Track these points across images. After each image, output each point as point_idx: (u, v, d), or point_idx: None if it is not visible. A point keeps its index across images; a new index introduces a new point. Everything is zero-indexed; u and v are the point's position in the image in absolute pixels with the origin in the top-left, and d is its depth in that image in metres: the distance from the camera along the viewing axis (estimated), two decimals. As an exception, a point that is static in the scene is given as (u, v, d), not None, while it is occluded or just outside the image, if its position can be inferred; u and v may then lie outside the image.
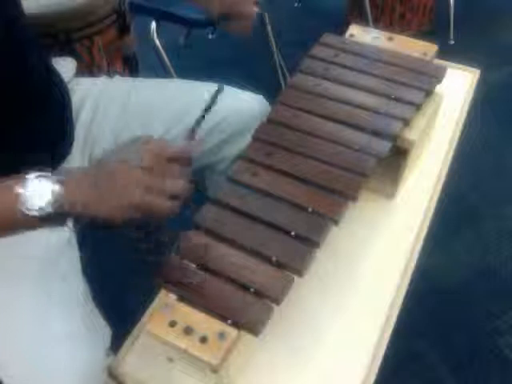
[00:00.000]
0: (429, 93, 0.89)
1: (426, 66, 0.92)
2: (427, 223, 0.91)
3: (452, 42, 2.33)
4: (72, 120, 0.99)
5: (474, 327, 1.45)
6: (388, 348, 0.77)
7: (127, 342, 0.78)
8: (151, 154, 0.70)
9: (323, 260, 0.76)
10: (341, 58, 0.94)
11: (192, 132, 0.89)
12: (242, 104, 1.09)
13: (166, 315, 0.66)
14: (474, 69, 1.15)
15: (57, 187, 0.66)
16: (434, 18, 2.40)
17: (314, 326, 0.80)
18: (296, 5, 2.64)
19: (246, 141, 0.86)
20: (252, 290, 0.68)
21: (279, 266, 0.70)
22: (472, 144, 1.64)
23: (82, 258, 0.93)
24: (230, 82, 1.13)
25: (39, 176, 0.67)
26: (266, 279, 0.69)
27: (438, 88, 0.91)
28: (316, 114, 0.86)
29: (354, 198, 0.76)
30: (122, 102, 1.04)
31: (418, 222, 0.91)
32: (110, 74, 1.27)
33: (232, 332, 0.65)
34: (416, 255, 0.87)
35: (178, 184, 0.71)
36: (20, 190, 0.66)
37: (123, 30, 1.36)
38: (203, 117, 0.78)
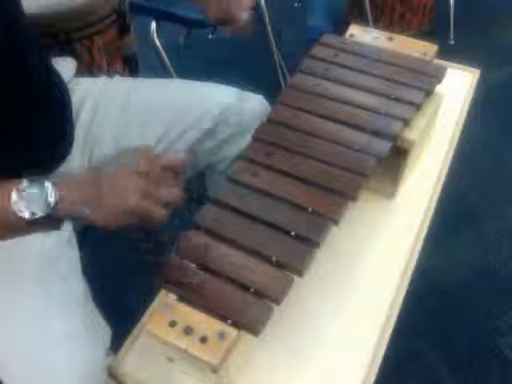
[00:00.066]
0: (429, 93, 0.89)
1: (425, 66, 0.92)
2: (427, 223, 0.91)
3: (452, 42, 2.33)
4: (72, 120, 0.99)
5: (474, 327, 1.45)
6: (388, 348, 0.77)
7: (127, 342, 0.78)
8: (147, 159, 0.71)
9: (323, 260, 0.76)
10: (341, 58, 0.94)
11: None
12: (242, 104, 1.09)
13: (166, 315, 0.66)
14: (474, 69, 1.15)
15: (53, 191, 0.67)
16: (434, 17, 2.40)
17: (314, 326, 0.80)
18: (296, 5, 2.64)
19: (245, 141, 0.86)
20: (252, 290, 0.68)
21: (279, 265, 0.70)
22: (472, 144, 1.63)
23: (81, 257, 0.93)
24: (230, 82, 1.13)
25: (36, 180, 0.67)
26: (266, 279, 0.69)
27: (438, 88, 0.91)
28: (316, 114, 0.86)
29: (354, 198, 0.76)
30: (122, 102, 1.04)
31: (417, 222, 0.91)
32: (109, 73, 1.27)
33: (232, 332, 0.65)
34: (416, 255, 0.87)
35: (172, 192, 0.71)
36: (16, 194, 0.66)
37: (123, 29, 1.36)
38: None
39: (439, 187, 0.96)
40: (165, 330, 0.65)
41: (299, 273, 0.70)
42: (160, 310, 0.67)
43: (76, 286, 0.88)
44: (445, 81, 0.91)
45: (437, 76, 0.90)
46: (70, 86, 1.01)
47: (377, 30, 1.00)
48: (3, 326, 0.81)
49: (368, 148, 0.81)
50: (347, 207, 0.76)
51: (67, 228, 0.91)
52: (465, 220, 1.70)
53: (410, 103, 0.86)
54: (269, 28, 1.90)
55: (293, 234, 0.72)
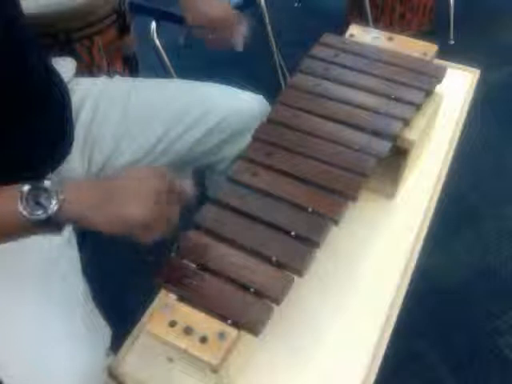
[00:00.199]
0: (429, 93, 0.89)
1: (425, 65, 0.92)
2: (427, 223, 0.91)
3: (452, 42, 2.33)
4: (72, 120, 0.99)
5: (474, 327, 1.45)
6: (388, 348, 0.77)
7: (127, 342, 0.78)
8: (163, 179, 0.71)
9: (323, 260, 0.76)
10: (341, 58, 0.94)
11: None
12: (242, 104, 1.09)
13: (166, 315, 0.66)
14: (474, 69, 1.15)
15: (59, 194, 0.67)
16: (434, 18, 2.40)
17: (314, 325, 0.80)
18: (296, 5, 2.65)
19: (245, 141, 0.86)
20: (252, 290, 0.68)
21: (279, 266, 0.70)
22: (472, 144, 1.63)
23: (81, 258, 0.93)
24: (230, 82, 1.13)
25: (41, 183, 0.67)
26: (266, 279, 0.69)
27: (438, 88, 0.91)
28: (316, 114, 0.86)
29: (354, 198, 0.76)
30: (122, 102, 1.04)
31: (417, 222, 0.91)
32: (110, 73, 1.27)
33: (232, 332, 0.65)
34: (416, 255, 0.87)
35: (175, 211, 0.71)
36: (21, 197, 0.66)
37: (123, 29, 1.36)
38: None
39: (439, 187, 0.96)
40: (165, 329, 0.65)
41: (299, 273, 0.70)
42: (160, 309, 0.67)
43: (76, 286, 0.88)
44: (445, 81, 0.91)
45: (437, 76, 0.90)
46: (69, 86, 1.01)
47: (377, 30, 1.00)
48: (3, 325, 0.81)
49: (368, 148, 0.81)
50: (347, 207, 0.76)
51: (67, 228, 0.91)
52: (465, 220, 1.69)
53: (410, 103, 0.86)
54: (269, 28, 1.90)
55: (293, 234, 0.72)
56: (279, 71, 1.99)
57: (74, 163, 0.98)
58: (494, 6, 2.50)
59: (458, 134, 1.04)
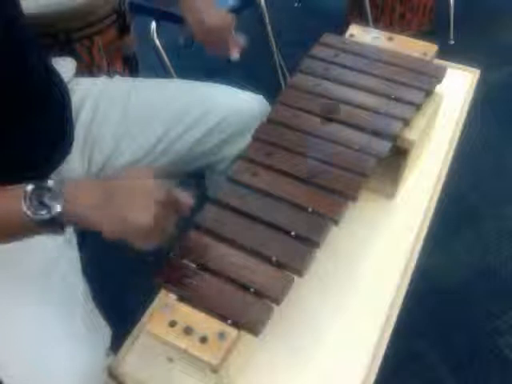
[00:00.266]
0: (429, 93, 0.89)
1: (425, 66, 0.92)
2: (427, 223, 0.91)
3: (452, 42, 2.33)
4: (72, 120, 0.99)
5: (474, 327, 1.45)
6: (388, 348, 0.77)
7: (127, 342, 0.78)
8: (166, 189, 0.71)
9: (323, 260, 0.76)
10: (341, 58, 0.94)
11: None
12: (242, 104, 1.09)
13: (166, 315, 0.66)
14: (474, 69, 1.15)
15: (63, 194, 0.67)
16: (434, 18, 2.40)
17: (314, 325, 0.80)
18: (296, 5, 2.65)
19: (245, 141, 0.86)
20: (252, 290, 0.68)
21: (279, 266, 0.70)
22: (472, 144, 1.63)
23: (81, 258, 0.93)
24: (230, 82, 1.13)
25: (45, 182, 0.67)
26: (266, 279, 0.69)
27: (438, 88, 0.91)
28: (316, 114, 0.86)
29: (354, 198, 0.76)
30: (122, 102, 1.04)
31: (418, 222, 0.91)
32: (110, 73, 1.27)
33: (232, 332, 0.65)
34: (416, 255, 0.87)
35: (171, 222, 0.71)
36: (25, 197, 0.66)
37: (123, 29, 1.36)
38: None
39: (439, 187, 0.96)
40: (165, 329, 0.65)
41: (299, 273, 0.70)
42: (160, 309, 0.67)
43: (76, 286, 0.88)
44: (445, 81, 0.91)
45: (437, 76, 0.90)
46: (69, 86, 1.01)
47: (377, 30, 1.00)
48: (3, 326, 0.81)
49: (368, 148, 0.81)
50: (347, 207, 0.76)
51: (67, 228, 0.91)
52: (465, 220, 1.69)
53: (410, 103, 0.86)
54: (269, 28, 1.90)
55: (293, 234, 0.72)
56: (279, 71, 1.99)
57: (74, 163, 0.98)
58: (493, 6, 2.50)
59: (457, 134, 1.04)
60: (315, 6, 2.61)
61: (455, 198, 1.37)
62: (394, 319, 0.80)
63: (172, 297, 0.69)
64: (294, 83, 0.92)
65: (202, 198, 0.79)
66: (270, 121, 0.87)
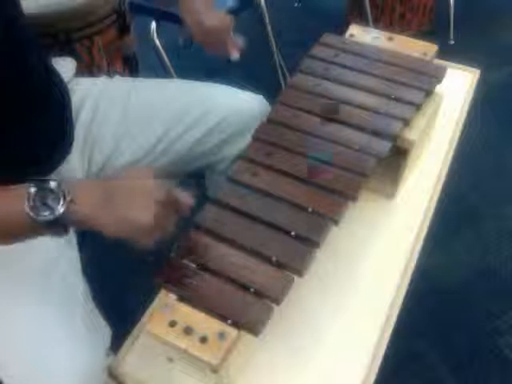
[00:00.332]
0: (429, 93, 0.89)
1: (425, 66, 0.92)
2: (427, 223, 0.91)
3: (452, 42, 2.33)
4: (72, 120, 0.99)
5: (474, 327, 1.45)
6: (388, 348, 0.77)
7: (127, 342, 0.78)
8: (166, 189, 0.71)
9: (323, 260, 0.76)
10: (341, 58, 0.94)
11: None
12: (242, 104, 1.09)
13: (166, 315, 0.66)
14: (474, 69, 1.15)
15: (65, 195, 0.67)
16: (434, 18, 2.40)
17: (314, 326, 0.80)
18: (296, 5, 2.65)
19: (245, 141, 0.86)
20: (252, 290, 0.68)
21: (279, 266, 0.70)
22: (472, 144, 1.63)
23: (81, 258, 0.93)
24: (230, 82, 1.13)
25: (48, 183, 0.67)
26: (266, 279, 0.69)
27: (438, 88, 0.91)
28: (316, 114, 0.86)
29: (354, 198, 0.76)
30: (122, 102, 1.04)
31: (418, 222, 0.91)
32: (110, 73, 1.27)
33: (232, 332, 0.65)
34: (416, 255, 0.87)
35: (172, 221, 0.71)
36: (28, 197, 0.66)
37: (123, 29, 1.36)
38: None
39: (439, 187, 0.96)
40: (165, 329, 0.65)
41: (299, 273, 0.70)
42: (160, 309, 0.67)
43: (76, 286, 0.88)
44: (445, 81, 0.91)
45: (437, 76, 0.90)
46: (69, 86, 1.01)
47: (377, 30, 1.00)
48: (3, 326, 0.81)
49: (368, 148, 0.81)
50: (347, 207, 0.76)
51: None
52: (465, 220, 1.69)
53: (410, 103, 0.86)
54: (269, 28, 1.90)
55: (293, 234, 0.72)
56: (279, 71, 1.99)
57: (74, 163, 0.98)
58: (494, 6, 2.50)
59: (457, 134, 1.04)
60: (315, 5, 2.61)
61: (455, 198, 1.37)
62: (393, 319, 0.80)
63: (172, 297, 0.69)
64: (294, 83, 0.92)
65: (202, 198, 0.79)
66: (270, 121, 0.87)
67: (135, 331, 0.79)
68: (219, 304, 0.67)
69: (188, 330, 0.65)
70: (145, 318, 0.79)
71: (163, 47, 1.65)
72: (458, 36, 2.33)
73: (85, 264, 0.93)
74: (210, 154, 1.09)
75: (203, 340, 0.64)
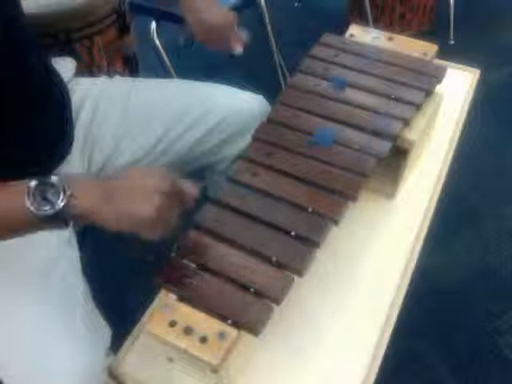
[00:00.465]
0: (429, 93, 0.89)
1: (425, 66, 0.92)
2: (427, 223, 0.91)
3: (452, 42, 2.33)
4: (72, 120, 0.99)
5: (474, 327, 1.45)
6: (388, 348, 0.77)
7: (127, 342, 0.78)
8: (170, 179, 0.71)
9: (323, 260, 0.76)
10: (341, 58, 0.94)
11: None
12: (242, 104, 1.09)
13: (166, 315, 0.66)
14: (474, 69, 1.15)
15: (66, 189, 0.67)
16: (434, 18, 2.40)
17: (314, 325, 0.80)
18: (296, 5, 2.65)
19: (245, 141, 0.86)
20: (252, 290, 0.68)
21: (279, 266, 0.70)
22: (472, 144, 1.63)
23: (81, 257, 0.93)
24: (230, 82, 1.13)
25: (48, 178, 0.67)
26: (266, 279, 0.69)
27: (438, 88, 0.91)
28: (316, 114, 0.86)
29: (354, 198, 0.76)
30: (122, 102, 1.04)
31: (418, 222, 0.91)
32: (110, 73, 1.27)
33: (232, 332, 0.65)
34: (416, 255, 0.87)
35: (175, 212, 0.71)
36: (28, 192, 0.66)
37: (123, 29, 1.36)
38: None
39: (439, 187, 0.96)
40: (165, 329, 0.65)
41: (299, 273, 0.70)
42: (160, 309, 0.67)
43: (76, 286, 0.88)
44: (445, 81, 0.91)
45: (437, 76, 0.90)
46: (69, 86, 1.01)
47: (377, 30, 1.00)
48: (3, 326, 0.81)
49: (368, 148, 0.81)
50: (347, 207, 0.76)
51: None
52: (465, 220, 1.69)
53: (410, 103, 0.86)
54: (269, 28, 1.90)
55: (293, 234, 0.72)
56: (279, 71, 1.99)
57: (74, 163, 0.98)
58: (494, 6, 2.50)
59: (457, 134, 1.04)
60: (315, 5, 2.61)
61: (455, 198, 1.37)
62: (393, 319, 0.80)
63: (172, 297, 0.69)
64: (294, 83, 0.92)
65: (202, 198, 0.79)
66: (270, 121, 0.87)
67: (135, 331, 0.79)
68: (219, 304, 0.67)
69: (188, 330, 0.65)
70: (145, 318, 0.79)
71: (163, 47, 1.65)
72: (458, 36, 2.33)
73: (85, 264, 0.92)
74: (210, 153, 1.09)
75: (203, 340, 0.64)
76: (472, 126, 1.11)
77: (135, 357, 0.77)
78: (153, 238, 0.70)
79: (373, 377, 0.75)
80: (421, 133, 0.86)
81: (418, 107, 0.86)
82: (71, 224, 0.70)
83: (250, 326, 0.65)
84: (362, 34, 0.99)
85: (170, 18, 1.55)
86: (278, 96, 0.90)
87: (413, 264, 0.86)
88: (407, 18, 2.35)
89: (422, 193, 0.95)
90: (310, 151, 0.81)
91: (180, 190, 0.71)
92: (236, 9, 1.49)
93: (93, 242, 1.18)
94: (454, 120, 1.05)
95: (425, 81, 0.89)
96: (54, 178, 0.67)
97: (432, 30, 2.37)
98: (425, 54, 0.94)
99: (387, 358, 0.77)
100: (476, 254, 1.62)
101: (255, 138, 0.84)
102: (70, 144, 0.98)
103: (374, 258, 0.87)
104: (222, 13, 1.01)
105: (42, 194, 0.66)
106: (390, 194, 0.94)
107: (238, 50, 1.03)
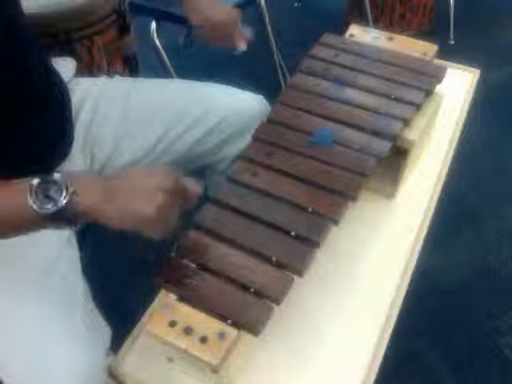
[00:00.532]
0: (429, 93, 0.89)
1: (425, 66, 0.92)
2: (427, 223, 0.91)
3: (452, 42, 2.33)
4: (72, 120, 0.99)
5: (474, 327, 1.45)
6: (388, 348, 0.77)
7: (127, 342, 0.78)
8: (173, 178, 0.71)
9: (323, 260, 0.76)
10: (341, 58, 0.94)
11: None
12: (242, 104, 1.09)
13: (166, 315, 0.66)
14: (474, 69, 1.15)
15: (69, 187, 0.67)
16: (434, 17, 2.40)
17: (314, 325, 0.80)
18: (296, 5, 2.65)
19: (245, 141, 0.86)
20: (252, 290, 0.68)
21: (279, 266, 0.70)
22: (472, 144, 1.63)
23: (81, 257, 0.93)
24: (230, 82, 1.13)
25: (51, 176, 0.67)
26: (266, 279, 0.69)
27: (438, 88, 0.91)
28: (316, 114, 0.86)
29: (354, 198, 0.76)
30: (122, 102, 1.04)
31: (418, 222, 0.91)
32: (110, 73, 1.27)
33: (232, 332, 0.65)
34: (416, 255, 0.87)
35: (177, 210, 0.71)
36: (31, 190, 0.66)
37: (123, 29, 1.36)
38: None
39: (439, 187, 0.96)
40: (165, 329, 0.65)
41: (299, 273, 0.70)
42: (160, 309, 0.67)
43: (76, 286, 0.88)
44: (445, 81, 0.91)
45: (437, 76, 0.90)
46: (69, 86, 1.01)
47: (377, 30, 1.00)
48: (3, 325, 0.81)
49: (368, 148, 0.81)
50: (347, 207, 0.76)
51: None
52: (465, 220, 1.69)
53: (410, 103, 0.86)
54: (269, 28, 1.90)
55: (293, 234, 0.72)
56: (279, 71, 1.99)
57: (74, 163, 0.98)
58: (494, 6, 2.50)
59: (457, 134, 1.04)
60: (315, 5, 2.62)
61: (455, 198, 1.37)
62: (393, 319, 0.80)
63: (172, 297, 0.69)
64: (294, 83, 0.92)
65: (202, 198, 0.79)
66: (270, 121, 0.87)
67: (135, 331, 0.79)
68: (219, 304, 0.67)
69: (188, 330, 0.65)
70: (145, 318, 0.79)
71: (163, 47, 1.65)
72: (458, 36, 2.33)
73: (85, 264, 0.93)
74: (210, 153, 1.09)
75: (203, 340, 0.64)
76: (472, 126, 1.11)
77: (135, 357, 0.77)
78: (155, 236, 0.70)
79: (373, 377, 0.75)
80: (421, 133, 0.86)
81: (418, 107, 0.86)
82: (75, 223, 0.70)
83: (250, 326, 0.65)
84: (361, 34, 0.99)
85: (170, 18, 1.55)
86: (278, 96, 0.90)
87: (413, 264, 0.86)
88: (407, 18, 2.35)
89: (421, 193, 0.95)
90: (309, 151, 0.81)
91: (183, 187, 0.71)
92: (239, 6, 1.49)
93: (93, 241, 1.18)
94: (453, 120, 1.05)
95: (425, 81, 0.89)
96: (56, 176, 0.67)
97: (432, 30, 2.37)
98: (425, 54, 0.94)
99: (387, 358, 0.77)
100: (476, 254, 1.62)
101: (255, 138, 0.84)
102: (70, 144, 0.98)
103: (374, 258, 0.87)
104: (225, 10, 1.01)
105: (44, 192, 0.66)
106: (390, 194, 0.94)
107: (242, 47, 1.03)
